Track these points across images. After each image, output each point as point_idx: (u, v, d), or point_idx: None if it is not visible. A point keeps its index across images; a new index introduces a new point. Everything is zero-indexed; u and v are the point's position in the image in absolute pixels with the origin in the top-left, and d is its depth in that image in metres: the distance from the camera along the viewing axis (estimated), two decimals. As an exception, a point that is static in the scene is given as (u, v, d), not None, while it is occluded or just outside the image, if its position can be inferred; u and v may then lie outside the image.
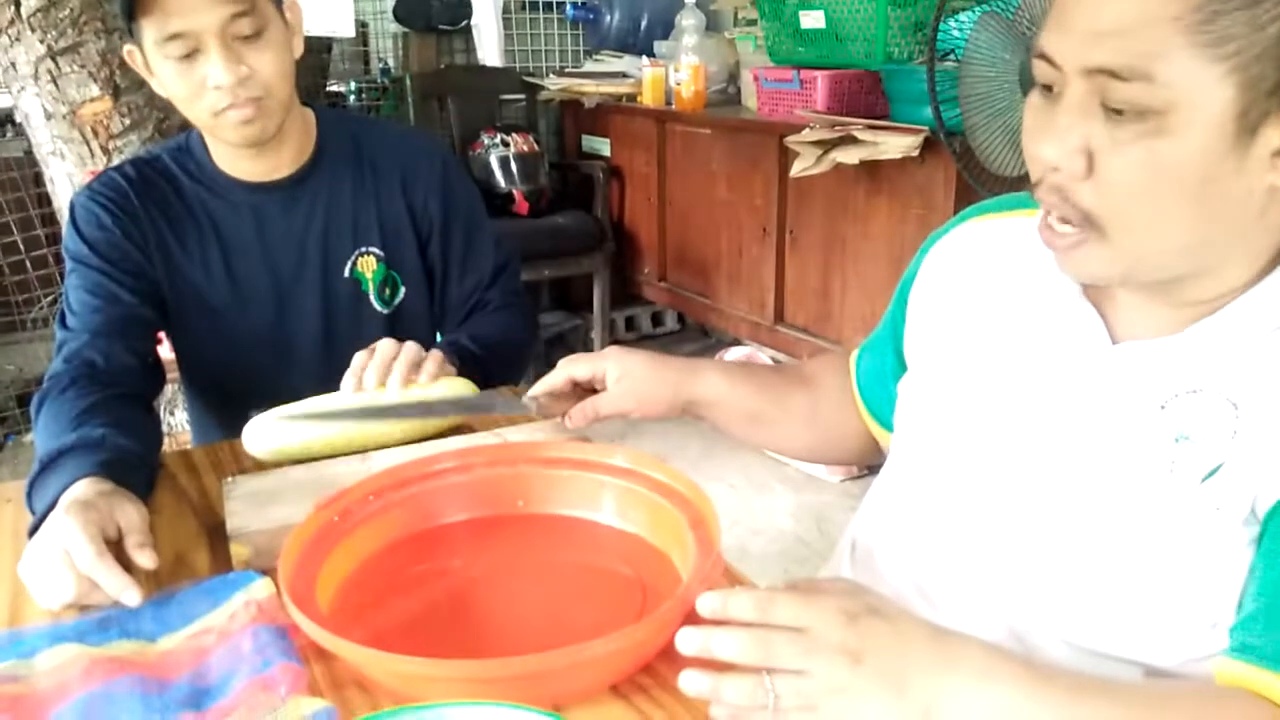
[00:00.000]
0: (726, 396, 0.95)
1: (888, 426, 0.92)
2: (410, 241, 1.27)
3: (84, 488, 0.84)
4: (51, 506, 0.83)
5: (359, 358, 1.02)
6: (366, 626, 0.72)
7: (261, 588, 0.76)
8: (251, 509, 0.86)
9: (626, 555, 0.80)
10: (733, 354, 3.00)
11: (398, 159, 1.26)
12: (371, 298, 1.26)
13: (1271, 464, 0.62)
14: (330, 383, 1.03)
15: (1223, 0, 0.57)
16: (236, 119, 1.08)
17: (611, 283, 3.38)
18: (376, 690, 0.67)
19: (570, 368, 0.95)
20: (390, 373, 1.00)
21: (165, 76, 1.08)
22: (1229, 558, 0.64)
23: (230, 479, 0.92)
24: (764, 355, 3.00)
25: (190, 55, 1.05)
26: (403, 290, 1.28)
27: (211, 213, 1.20)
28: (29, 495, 0.89)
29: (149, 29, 1.05)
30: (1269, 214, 0.63)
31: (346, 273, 1.24)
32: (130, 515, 0.82)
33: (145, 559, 0.79)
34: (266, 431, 1.00)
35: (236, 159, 1.18)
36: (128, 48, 1.11)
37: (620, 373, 0.93)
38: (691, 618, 0.60)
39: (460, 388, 1.04)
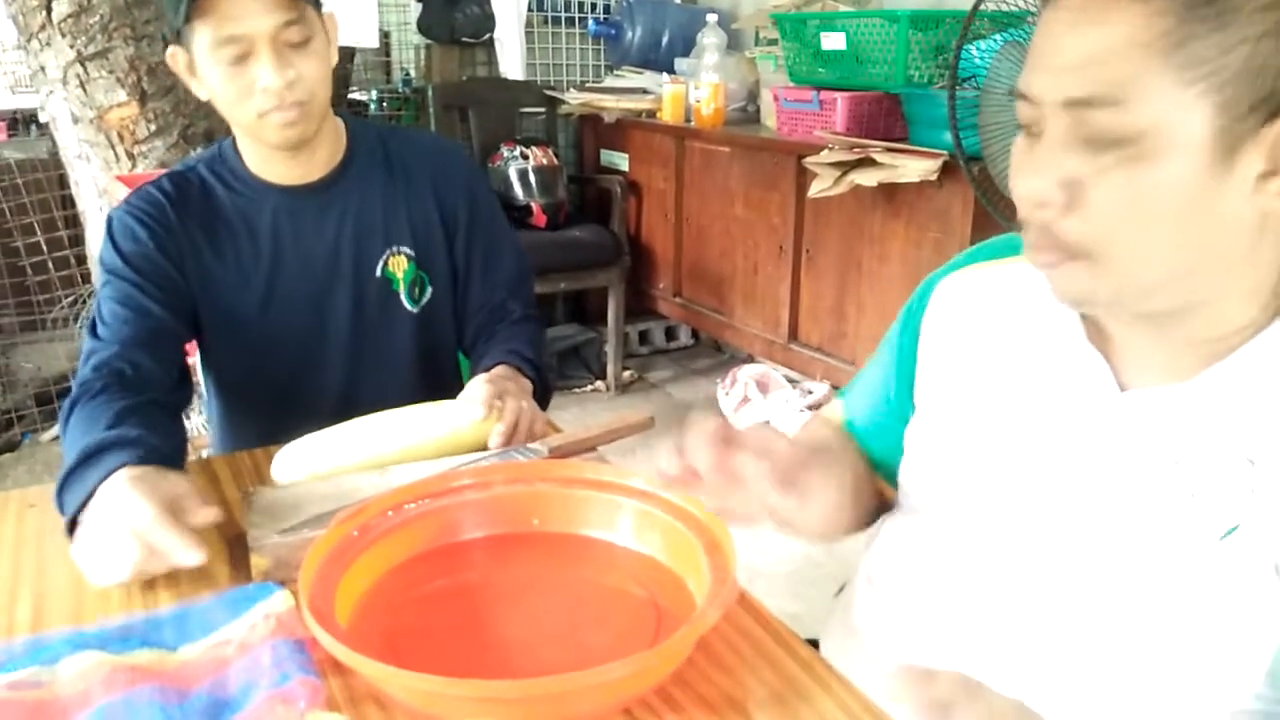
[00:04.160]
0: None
1: (891, 480, 0.88)
2: (440, 241, 1.30)
3: (125, 473, 0.85)
4: (87, 499, 0.84)
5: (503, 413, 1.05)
6: (384, 641, 0.72)
7: (281, 600, 0.77)
8: (272, 521, 0.87)
9: (641, 577, 0.81)
10: (746, 372, 3.01)
11: (428, 161, 1.30)
12: (402, 296, 1.29)
13: None
14: (355, 380, 1.04)
15: (1191, 25, 0.57)
16: (280, 121, 1.12)
17: (627, 297, 3.39)
18: (393, 706, 0.67)
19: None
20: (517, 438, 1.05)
21: (213, 79, 1.12)
22: (1248, 618, 0.63)
23: (251, 490, 0.93)
24: (778, 374, 3.00)
25: (241, 58, 1.09)
26: (430, 290, 1.30)
27: (247, 217, 1.22)
28: (60, 490, 0.89)
29: (203, 31, 1.08)
30: (1265, 244, 0.63)
31: (378, 272, 1.27)
32: (182, 485, 0.85)
33: (208, 515, 0.83)
34: (297, 463, 1.00)
35: (271, 163, 1.21)
36: (171, 50, 1.14)
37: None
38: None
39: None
